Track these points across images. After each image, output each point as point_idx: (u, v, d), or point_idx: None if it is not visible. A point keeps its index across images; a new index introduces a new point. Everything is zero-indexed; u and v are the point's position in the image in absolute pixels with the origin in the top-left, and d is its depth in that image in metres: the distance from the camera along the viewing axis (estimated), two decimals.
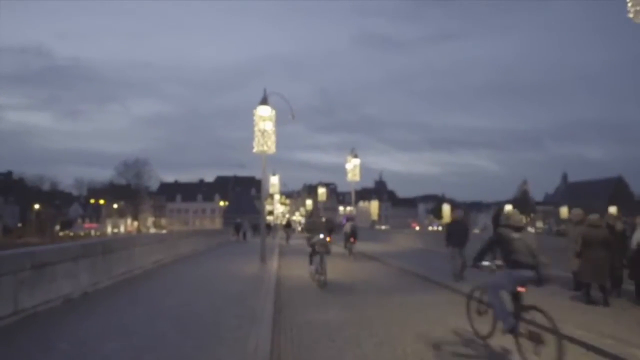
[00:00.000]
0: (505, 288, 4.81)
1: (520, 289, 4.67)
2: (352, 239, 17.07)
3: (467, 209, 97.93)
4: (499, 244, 4.94)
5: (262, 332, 5.45)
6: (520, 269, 4.66)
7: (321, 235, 10.01)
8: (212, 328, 5.66)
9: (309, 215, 11.44)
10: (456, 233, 10.01)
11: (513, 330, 4.56)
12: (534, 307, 4.46)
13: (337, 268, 13.49)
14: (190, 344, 4.99)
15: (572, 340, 5.27)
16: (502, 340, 5.03)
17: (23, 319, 6.09)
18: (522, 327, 4.52)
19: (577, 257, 7.25)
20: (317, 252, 9.76)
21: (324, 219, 11.23)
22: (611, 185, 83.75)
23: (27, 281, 6.39)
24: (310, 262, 10.41)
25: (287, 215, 65.19)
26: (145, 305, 7.26)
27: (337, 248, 22.16)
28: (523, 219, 5.26)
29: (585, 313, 6.54)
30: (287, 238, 27.84)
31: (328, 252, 9.87)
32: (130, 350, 4.74)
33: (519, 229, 4.91)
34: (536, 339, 4.27)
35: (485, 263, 5.09)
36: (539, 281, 4.66)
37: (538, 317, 4.41)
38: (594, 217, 7.51)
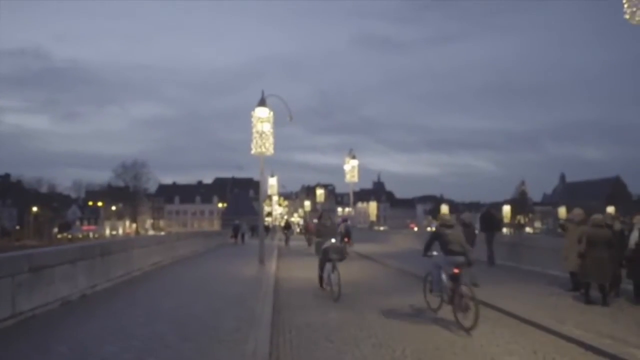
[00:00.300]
0: (443, 270, 6.43)
1: (455, 270, 6.11)
2: (346, 239, 17.27)
3: (465, 210, 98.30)
4: (437, 238, 6.63)
5: (260, 334, 5.44)
6: (454, 255, 6.27)
7: (333, 240, 8.73)
8: (211, 330, 5.65)
9: (319, 217, 9.99)
10: (465, 236, 8.89)
11: (451, 301, 6.11)
12: (464, 284, 6.00)
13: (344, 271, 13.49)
14: (189, 346, 4.99)
15: (570, 340, 5.29)
16: (446, 311, 6.46)
17: (21, 322, 6.07)
18: (457, 299, 5.96)
19: (581, 257, 7.23)
20: (330, 260, 8.41)
21: (329, 222, 9.54)
22: (609, 186, 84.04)
23: (25, 284, 6.37)
24: (321, 271, 9.10)
25: (285, 217, 65.13)
26: (143, 308, 7.25)
27: None
28: (453, 219, 7.21)
29: (583, 313, 6.55)
30: (287, 240, 26.77)
31: (343, 258, 8.64)
32: (129, 353, 4.73)
33: (450, 226, 6.64)
34: (465, 307, 5.82)
35: (432, 253, 6.88)
36: (469, 264, 6.30)
37: (466, 290, 5.91)
38: (597, 216, 7.54)
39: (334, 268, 8.32)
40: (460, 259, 6.22)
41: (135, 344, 5.07)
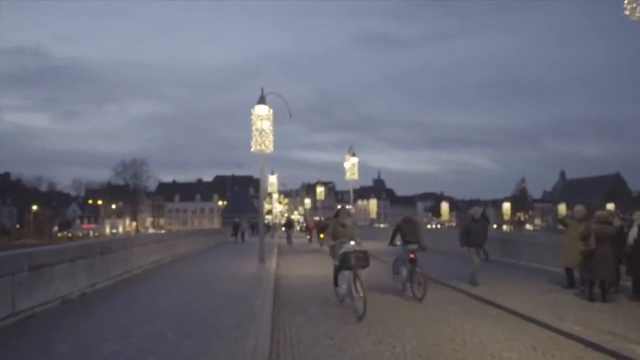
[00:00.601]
0: (403, 256, 8.38)
1: (411, 255, 8.10)
2: None
3: (465, 207, 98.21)
4: (398, 231, 8.60)
5: (261, 331, 5.45)
6: (410, 244, 8.26)
7: (353, 242, 7.19)
8: (211, 328, 5.66)
9: (336, 214, 8.30)
10: (475, 232, 9.02)
11: (409, 279, 8.12)
12: (417, 266, 7.94)
13: None
14: (189, 344, 4.99)
15: (570, 336, 5.29)
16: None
17: (21, 320, 6.07)
18: (414, 277, 7.99)
19: (587, 254, 7.16)
20: (351, 267, 6.76)
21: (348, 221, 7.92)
22: (609, 182, 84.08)
23: (25, 282, 6.36)
24: (336, 282, 7.46)
25: (285, 214, 65.06)
26: (143, 306, 7.25)
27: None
28: (413, 217, 9.43)
29: (583, 309, 6.56)
30: (289, 239, 25.23)
31: (367, 265, 6.93)
32: (129, 351, 4.73)
33: (410, 222, 8.69)
34: (418, 282, 7.89)
35: (396, 243, 8.65)
36: (422, 249, 8.26)
37: (419, 270, 7.91)
38: (603, 213, 7.55)
39: (355, 278, 6.67)
40: (414, 246, 8.24)
41: (135, 342, 5.08)
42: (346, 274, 7.00)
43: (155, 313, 6.64)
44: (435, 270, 11.30)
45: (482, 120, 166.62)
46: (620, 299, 7.24)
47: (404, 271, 8.28)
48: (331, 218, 12.51)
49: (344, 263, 6.90)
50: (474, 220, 9.20)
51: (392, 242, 8.79)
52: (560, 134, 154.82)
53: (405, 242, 8.36)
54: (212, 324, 5.83)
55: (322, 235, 25.41)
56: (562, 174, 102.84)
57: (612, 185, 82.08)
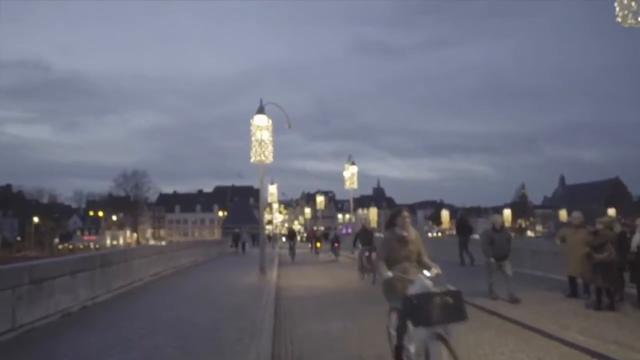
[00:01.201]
0: (361, 254, 12.51)
1: (367, 253, 12.07)
2: (336, 244, 20.93)
3: (465, 214, 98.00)
4: (358, 237, 13.10)
5: (262, 344, 5.40)
6: (365, 245, 12.38)
7: (427, 274, 4.04)
8: (212, 341, 5.61)
9: (390, 221, 4.49)
10: (499, 243, 8.22)
11: (367, 271, 12.03)
12: (372, 260, 10.94)
13: (339, 277, 13.43)
14: (189, 358, 4.95)
15: (575, 346, 5.24)
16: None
17: (21, 334, 6.03)
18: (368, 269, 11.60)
19: (610, 263, 7.06)
20: (431, 323, 3.54)
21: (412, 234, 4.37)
22: (609, 187, 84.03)
23: (25, 296, 6.33)
24: (400, 340, 4.13)
25: (286, 225, 64.84)
26: (144, 319, 7.20)
27: (325, 255, 22.19)
28: (367, 227, 14.08)
29: (587, 318, 6.50)
30: (292, 252, 21.74)
31: (462, 317, 3.70)
32: None
33: (365, 230, 13.18)
34: (369, 271, 11.70)
35: (358, 245, 12.98)
36: (373, 250, 11.74)
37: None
38: (606, 219, 7.50)
39: (441, 342, 3.57)
40: (369, 247, 12.29)
41: (135, 356, 5.03)
42: (421, 334, 3.66)
43: (155, 326, 6.59)
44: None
45: (480, 127, 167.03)
46: (625, 307, 7.18)
47: (363, 259, 12.48)
48: (361, 231, 14.04)
49: (417, 315, 3.61)
50: (495, 230, 8.41)
51: (354, 245, 14.27)
52: (558, 139, 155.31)
53: (363, 244, 12.64)
54: (213, 338, 5.78)
55: (318, 244, 25.68)
56: (562, 179, 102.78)
57: (612, 190, 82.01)
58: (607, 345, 5.08)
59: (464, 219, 17.05)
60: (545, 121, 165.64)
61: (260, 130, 13.69)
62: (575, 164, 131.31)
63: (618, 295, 7.45)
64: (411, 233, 4.30)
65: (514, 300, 7.77)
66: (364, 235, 12.92)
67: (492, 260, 8.16)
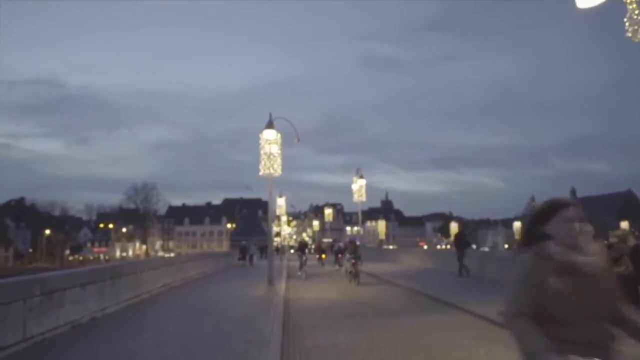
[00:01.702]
0: (348, 258, 15.74)
1: (352, 261, 15.01)
2: (339, 255, 21.83)
3: (475, 227, 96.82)
4: (347, 248, 17.46)
5: (270, 357, 5.39)
6: (349, 254, 15.68)
7: None
8: (220, 354, 5.61)
9: (533, 229, 1.98)
10: None
11: (353, 275, 14.90)
12: (357, 265, 14.82)
13: (343, 289, 13.36)
14: None
15: None
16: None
17: (31, 346, 6.09)
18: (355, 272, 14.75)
19: (628, 277, 6.92)
20: None
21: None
22: (621, 199, 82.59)
23: (36, 308, 6.41)
24: None
25: (294, 237, 64.70)
26: (153, 331, 7.23)
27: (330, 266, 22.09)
28: (354, 241, 19.76)
29: None
30: (302, 266, 18.88)
31: None
32: None
33: (353, 243, 17.23)
34: (356, 275, 14.75)
35: (347, 255, 16.49)
36: (358, 258, 15.09)
37: (357, 267, 14.74)
38: (619, 232, 7.43)
39: None
40: (354, 255, 15.14)
41: None
42: None
43: (164, 338, 6.61)
44: (445, 291, 11.13)
45: (489, 140, 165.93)
46: None
47: (348, 265, 15.75)
48: (348, 243, 19.02)
49: None
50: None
51: (343, 254, 18.84)
52: (567, 151, 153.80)
53: (350, 254, 15.69)
54: (221, 350, 5.78)
55: (323, 256, 26.02)
56: (573, 192, 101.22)
57: (624, 202, 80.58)
58: None
59: (461, 233, 18.40)
60: (553, 134, 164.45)
61: (269, 144, 13.83)
62: (585, 177, 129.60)
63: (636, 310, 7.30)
64: (594, 253, 1.92)
65: None
66: (351, 247, 16.54)
67: None
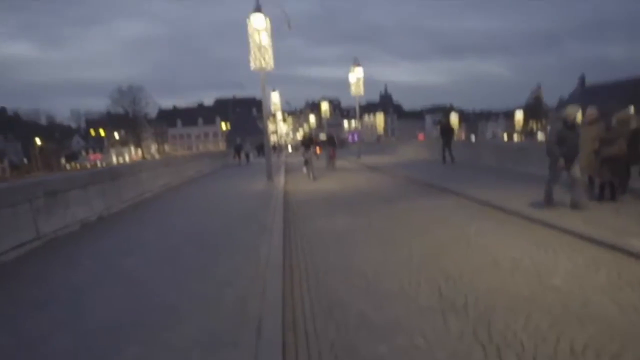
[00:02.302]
0: (328, 150, 20.34)
1: (331, 152, 19.91)
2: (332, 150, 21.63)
3: (475, 119, 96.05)
4: (326, 141, 22.37)
5: (273, 241, 5.69)
6: (329, 147, 20.36)
7: None
8: (225, 241, 5.91)
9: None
10: (571, 141, 6.77)
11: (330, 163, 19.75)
12: (334, 155, 19.73)
13: (345, 179, 13.73)
14: (204, 254, 5.25)
15: (572, 233, 5.47)
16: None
17: (46, 242, 6.41)
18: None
19: (621, 157, 7.09)
20: None
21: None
22: (632, 86, 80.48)
23: (43, 209, 6.60)
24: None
25: (298, 131, 64.46)
26: (158, 224, 7.55)
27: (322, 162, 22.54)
28: (332, 135, 23.62)
29: (589, 209, 6.68)
30: (309, 166, 15.39)
31: None
32: (149, 263, 5.02)
33: (331, 136, 22.13)
34: (333, 165, 19.44)
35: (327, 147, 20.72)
36: (335, 148, 20.48)
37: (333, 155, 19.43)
38: (624, 114, 7.40)
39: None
40: (332, 146, 19.96)
41: (154, 255, 5.36)
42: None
43: (170, 230, 6.93)
44: (439, 178, 11.49)
45: (497, 24, 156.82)
46: (626, 198, 7.33)
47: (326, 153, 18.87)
48: (329, 137, 21.88)
49: None
50: (567, 127, 6.75)
51: (323, 147, 20.96)
52: (583, 35, 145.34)
53: (329, 146, 19.55)
54: (227, 237, 6.08)
55: (318, 150, 26.28)
56: (582, 79, 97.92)
57: (635, 89, 78.80)
58: (602, 231, 5.29)
59: (446, 122, 18.93)
60: (570, 16, 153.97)
61: (258, 32, 12.86)
62: (599, 63, 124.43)
63: (622, 188, 7.56)
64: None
65: (578, 206, 6.79)
66: (330, 140, 20.85)
67: (562, 161, 6.81)
